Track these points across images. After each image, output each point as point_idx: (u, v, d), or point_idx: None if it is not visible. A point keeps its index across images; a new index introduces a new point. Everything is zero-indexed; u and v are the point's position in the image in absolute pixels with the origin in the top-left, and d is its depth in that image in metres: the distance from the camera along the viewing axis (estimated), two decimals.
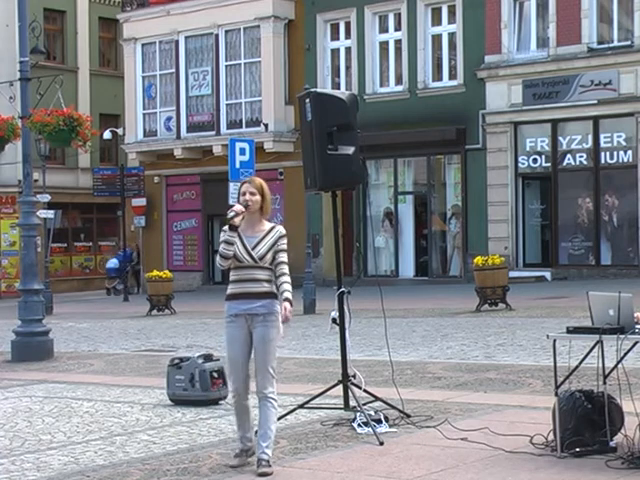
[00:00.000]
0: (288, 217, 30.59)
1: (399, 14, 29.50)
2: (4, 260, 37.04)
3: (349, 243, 29.72)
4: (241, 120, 31.85)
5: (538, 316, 17.14)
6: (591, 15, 26.05)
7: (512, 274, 23.48)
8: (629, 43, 25.70)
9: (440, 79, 29.14)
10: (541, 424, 7.43)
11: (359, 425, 8.01)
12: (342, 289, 8.49)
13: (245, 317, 6.97)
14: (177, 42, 33.08)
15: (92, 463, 7.36)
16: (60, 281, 37.55)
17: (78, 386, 11.56)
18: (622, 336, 6.51)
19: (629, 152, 25.77)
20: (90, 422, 9.06)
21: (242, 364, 7.00)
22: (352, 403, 8.47)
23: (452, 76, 28.79)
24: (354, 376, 8.53)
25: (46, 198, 27.12)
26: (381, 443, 7.48)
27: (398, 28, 29.63)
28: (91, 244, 41.52)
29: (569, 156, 26.76)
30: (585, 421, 6.82)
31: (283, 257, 7.01)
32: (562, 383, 6.94)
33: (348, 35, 30.55)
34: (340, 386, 8.53)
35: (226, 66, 32.14)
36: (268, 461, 6.81)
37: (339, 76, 31.29)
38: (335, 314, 8.55)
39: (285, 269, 7.00)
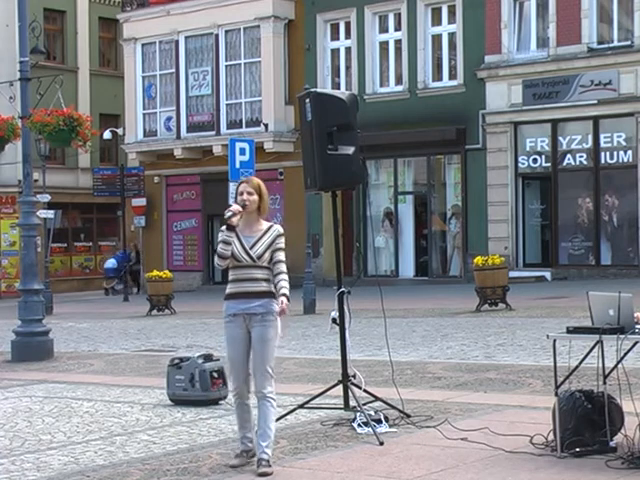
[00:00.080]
0: (288, 217, 30.59)
1: (399, 14, 29.50)
2: (4, 260, 37.04)
3: (349, 243, 29.72)
4: (241, 120, 31.86)
5: (538, 316, 17.14)
6: (591, 15, 26.05)
7: (512, 274, 23.48)
8: (629, 43, 25.70)
9: (440, 79, 29.14)
10: (541, 424, 7.43)
11: (359, 425, 8.01)
12: (342, 289, 8.49)
13: (243, 317, 6.98)
14: (177, 42, 33.08)
15: (92, 463, 7.36)
16: (60, 281, 37.54)
17: (78, 386, 11.56)
18: (622, 336, 6.51)
19: (629, 152, 25.77)
20: (90, 422, 9.06)
21: (242, 363, 7.01)
22: (352, 403, 8.47)
23: (452, 76, 28.79)
24: (354, 376, 8.53)
25: (46, 198, 27.12)
26: (381, 443, 7.48)
27: (398, 28, 29.63)
28: (91, 244, 41.52)
29: (569, 156, 26.76)
30: (585, 421, 6.82)
31: (281, 256, 7.03)
32: (562, 383, 6.94)
33: (348, 35, 30.55)
34: (340, 386, 8.53)
35: (226, 66, 32.14)
36: (268, 461, 6.81)
37: (339, 76, 31.28)
38: (335, 314, 8.55)
39: (283, 268, 7.01)
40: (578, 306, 16.16)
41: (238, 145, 20.39)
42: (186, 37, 32.91)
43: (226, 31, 32.05)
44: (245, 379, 7.03)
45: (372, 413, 8.10)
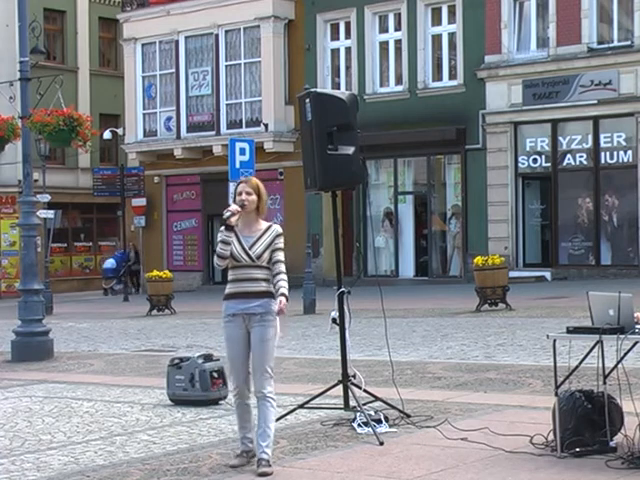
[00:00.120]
0: (288, 217, 30.60)
1: (399, 14, 29.51)
2: (4, 260, 37.04)
3: (349, 243, 29.72)
4: (241, 120, 31.86)
5: (538, 316, 17.14)
6: (591, 15, 26.05)
7: (512, 274, 23.48)
8: (629, 43, 25.70)
9: (440, 79, 29.14)
10: (541, 424, 7.43)
11: (359, 425, 8.01)
12: (342, 289, 8.49)
13: (243, 317, 6.98)
14: (177, 42, 33.09)
15: (92, 463, 7.36)
16: (60, 281, 37.55)
17: (78, 386, 11.56)
18: (622, 336, 6.51)
19: (629, 152, 25.77)
20: (90, 422, 9.06)
21: (242, 363, 7.01)
22: (352, 403, 8.47)
23: (452, 76, 28.79)
24: (354, 376, 8.53)
25: (46, 198, 27.12)
26: (381, 443, 7.48)
27: (398, 28, 29.64)
28: (91, 244, 41.52)
29: (569, 156, 26.76)
30: (585, 421, 6.82)
31: (280, 256, 7.03)
32: (562, 383, 6.94)
33: (348, 35, 30.55)
34: (340, 386, 8.53)
35: (226, 66, 32.14)
36: (268, 461, 6.81)
37: (339, 76, 31.29)
38: (335, 314, 8.55)
39: (282, 268, 7.02)
40: (578, 306, 16.16)
41: (238, 145, 20.39)
42: (186, 37, 32.92)
43: (226, 31, 32.05)
44: (245, 379, 7.03)
45: (372, 413, 8.10)
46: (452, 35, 28.75)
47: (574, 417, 6.80)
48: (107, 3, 40.83)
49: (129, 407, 9.83)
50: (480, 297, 18.93)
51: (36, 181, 23.56)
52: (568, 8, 26.19)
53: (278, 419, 7.83)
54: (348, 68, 30.82)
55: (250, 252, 6.96)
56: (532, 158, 27.34)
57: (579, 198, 26.64)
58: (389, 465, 6.87)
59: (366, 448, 7.42)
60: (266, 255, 6.98)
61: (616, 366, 6.85)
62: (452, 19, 28.67)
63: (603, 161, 26.21)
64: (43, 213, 26.88)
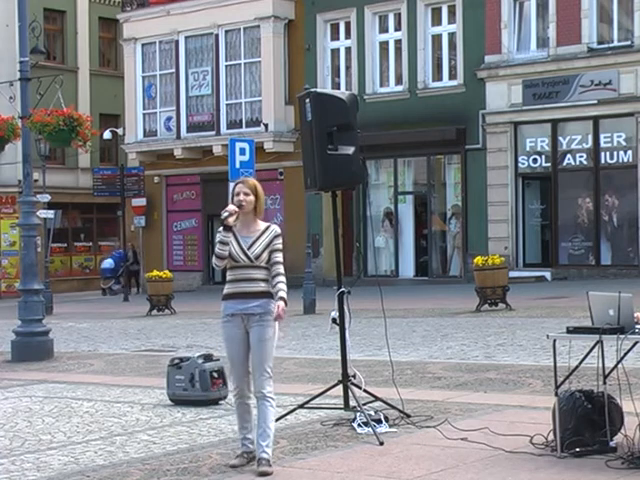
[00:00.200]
0: (288, 217, 30.61)
1: (399, 14, 29.51)
2: (4, 260, 37.04)
3: (349, 243, 29.72)
4: (241, 120, 31.86)
5: (538, 316, 17.14)
6: (591, 15, 26.05)
7: (512, 274, 23.48)
8: (629, 43, 25.70)
9: (440, 79, 29.15)
10: (541, 424, 7.43)
11: (359, 425, 8.01)
12: (342, 289, 8.49)
13: (241, 317, 6.98)
14: (177, 42, 33.09)
15: (92, 463, 7.36)
16: (60, 281, 37.55)
17: (78, 386, 11.56)
18: (622, 336, 6.51)
19: (629, 152, 25.77)
20: (90, 422, 9.06)
21: (242, 363, 7.01)
22: (352, 403, 8.47)
23: (452, 76, 28.79)
24: (354, 376, 8.53)
25: (46, 198, 27.12)
26: (381, 443, 7.48)
27: (398, 28, 29.64)
28: (91, 244, 41.52)
29: (569, 156, 26.76)
30: (585, 421, 6.82)
31: (278, 257, 7.03)
32: (562, 383, 6.94)
33: (348, 35, 30.55)
34: (340, 386, 8.53)
35: (226, 66, 32.14)
36: (268, 460, 6.81)
37: (339, 76, 31.29)
38: (335, 314, 8.55)
39: (280, 269, 7.01)
40: (578, 306, 16.16)
41: (238, 145, 20.39)
42: (186, 37, 32.92)
43: (226, 31, 32.05)
44: (245, 379, 7.03)
45: (372, 413, 8.10)
46: (452, 35, 28.76)
47: (574, 417, 6.81)
48: (107, 3, 40.83)
49: (129, 407, 9.83)
50: (480, 297, 18.93)
51: (36, 181, 23.56)
52: (568, 8, 26.19)
53: (278, 419, 7.83)
54: (348, 68, 30.82)
55: (248, 252, 6.96)
56: (532, 158, 27.34)
57: (579, 198, 26.65)
58: (389, 465, 6.87)
59: (366, 448, 7.42)
60: (265, 255, 6.98)
61: (616, 366, 6.85)
62: (452, 19, 28.67)
63: (603, 161, 26.21)
64: (43, 213, 26.89)
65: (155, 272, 24.33)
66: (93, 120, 19.99)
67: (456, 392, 9.69)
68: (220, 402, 9.67)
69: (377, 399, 8.52)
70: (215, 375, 9.68)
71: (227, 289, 7.06)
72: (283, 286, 6.95)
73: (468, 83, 27.98)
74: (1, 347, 16.52)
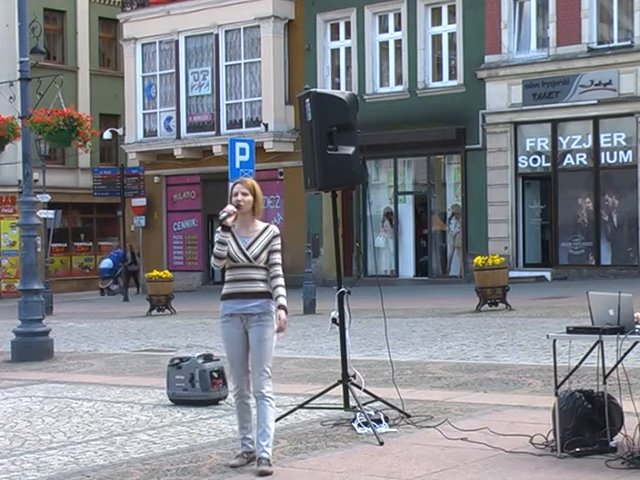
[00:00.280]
0: (288, 217, 30.61)
1: (399, 14, 29.51)
2: (4, 260, 37.04)
3: (349, 243, 29.72)
4: (241, 120, 31.86)
5: (538, 316, 17.14)
6: (591, 15, 26.05)
7: (512, 274, 23.48)
8: (629, 43, 25.70)
9: (440, 79, 29.14)
10: (541, 424, 7.43)
11: (359, 425, 8.01)
12: (342, 289, 8.49)
13: (240, 317, 6.98)
14: (177, 42, 33.09)
15: (92, 463, 7.36)
16: (60, 281, 37.54)
17: (78, 386, 11.56)
18: (622, 336, 6.51)
19: (629, 152, 25.77)
20: (90, 422, 9.06)
21: (241, 363, 7.02)
22: (352, 403, 8.47)
23: (452, 76, 28.79)
24: (354, 376, 8.53)
25: (46, 198, 27.12)
26: (381, 443, 7.48)
27: (398, 28, 29.64)
28: (91, 244, 41.51)
29: (569, 156, 26.76)
30: (585, 421, 6.82)
31: (277, 258, 7.03)
32: (562, 383, 6.94)
33: (348, 35, 30.55)
34: (340, 386, 8.53)
35: (226, 66, 32.14)
36: (268, 460, 6.81)
37: (339, 76, 31.29)
38: (335, 314, 8.55)
39: (279, 271, 7.02)
40: (578, 306, 16.16)
41: (238, 145, 20.38)
42: (186, 37, 32.92)
43: (226, 31, 32.05)
44: (245, 378, 7.04)
45: (372, 413, 8.10)
46: (452, 35, 28.76)
47: (574, 417, 6.81)
48: (107, 3, 40.83)
49: (129, 407, 9.83)
50: (480, 297, 18.93)
51: (36, 181, 23.56)
52: (568, 8, 26.19)
53: (278, 419, 7.83)
54: (348, 68, 30.82)
55: (247, 253, 6.96)
56: (532, 158, 27.34)
57: (579, 198, 26.65)
58: (389, 465, 6.87)
59: (366, 448, 7.42)
60: (263, 256, 6.99)
61: (616, 366, 6.86)
62: (452, 19, 28.67)
63: (603, 161, 26.21)
64: (43, 213, 26.89)
65: (155, 272, 24.33)
66: (93, 120, 19.99)
67: (456, 392, 9.69)
68: (220, 402, 9.67)
69: (377, 399, 8.52)
70: (215, 375, 9.68)
71: (226, 289, 7.07)
72: (282, 291, 6.96)
73: (468, 83, 27.98)
74: (1, 347, 16.52)
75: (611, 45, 25.99)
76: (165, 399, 9.95)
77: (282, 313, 6.87)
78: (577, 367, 6.88)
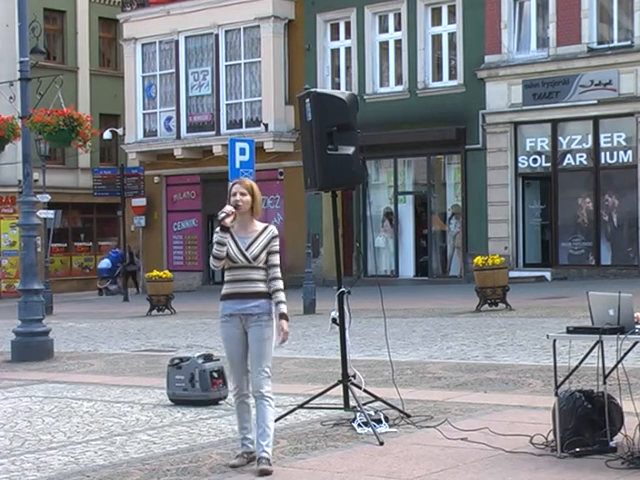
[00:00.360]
0: (288, 217, 30.60)
1: (399, 14, 29.51)
2: (4, 260, 37.04)
3: (349, 243, 29.72)
4: (241, 120, 31.86)
5: (538, 316, 17.14)
6: (591, 15, 26.05)
7: (512, 274, 23.48)
8: (629, 43, 25.70)
9: (440, 79, 29.14)
10: (541, 424, 7.43)
11: (359, 425, 8.01)
12: (342, 289, 8.49)
13: (240, 317, 6.98)
14: (177, 42, 33.09)
15: (92, 463, 7.36)
16: (60, 281, 37.54)
17: (78, 386, 11.56)
18: (622, 336, 6.51)
19: (629, 152, 25.77)
20: (90, 422, 9.06)
21: (240, 363, 7.02)
22: (352, 403, 8.47)
23: (452, 76, 28.79)
24: (354, 376, 8.53)
25: (46, 198, 27.12)
26: (381, 443, 7.48)
27: (398, 28, 29.64)
28: (91, 244, 41.51)
29: (569, 156, 26.76)
30: (585, 421, 6.82)
31: (276, 260, 7.03)
32: (562, 383, 6.94)
33: (348, 35, 30.55)
34: (340, 386, 8.53)
35: (226, 66, 32.14)
36: (268, 460, 6.81)
37: (339, 76, 31.29)
38: (335, 314, 8.55)
39: (278, 273, 7.02)
40: (578, 306, 16.16)
41: (238, 145, 20.39)
42: (186, 37, 32.92)
43: (226, 31, 32.05)
44: (245, 378, 7.04)
45: (372, 413, 8.10)
46: (452, 35, 28.76)
47: (574, 417, 6.81)
48: (107, 3, 40.83)
49: (129, 407, 9.83)
50: (480, 297, 18.93)
51: (36, 181, 23.56)
52: (568, 8, 26.19)
53: (278, 419, 7.83)
54: (348, 68, 30.82)
55: (246, 253, 6.96)
56: (532, 158, 27.34)
57: (579, 198, 26.65)
58: (389, 465, 6.87)
59: (366, 448, 7.42)
60: (263, 256, 6.99)
61: (616, 366, 6.85)
62: (452, 19, 28.67)
63: (603, 161, 26.21)
64: (43, 213, 26.89)
65: (155, 272, 24.33)
66: (93, 120, 19.99)
67: (456, 392, 9.70)
68: (220, 402, 9.67)
69: (377, 399, 8.52)
70: (215, 375, 9.68)
71: (225, 289, 7.07)
72: (282, 297, 6.96)
73: (468, 83, 27.98)
74: (1, 347, 16.52)
75: (611, 45, 25.99)
76: (165, 399, 9.95)
77: (284, 324, 6.87)
78: (577, 367, 6.88)
